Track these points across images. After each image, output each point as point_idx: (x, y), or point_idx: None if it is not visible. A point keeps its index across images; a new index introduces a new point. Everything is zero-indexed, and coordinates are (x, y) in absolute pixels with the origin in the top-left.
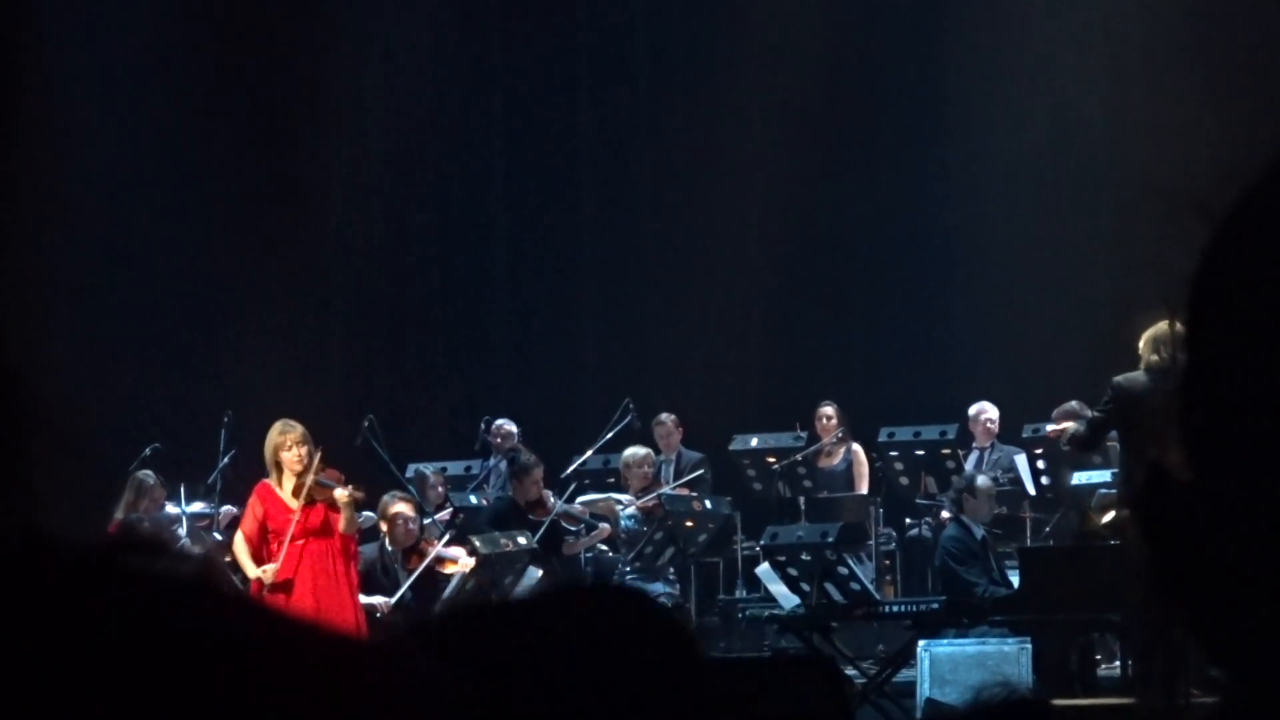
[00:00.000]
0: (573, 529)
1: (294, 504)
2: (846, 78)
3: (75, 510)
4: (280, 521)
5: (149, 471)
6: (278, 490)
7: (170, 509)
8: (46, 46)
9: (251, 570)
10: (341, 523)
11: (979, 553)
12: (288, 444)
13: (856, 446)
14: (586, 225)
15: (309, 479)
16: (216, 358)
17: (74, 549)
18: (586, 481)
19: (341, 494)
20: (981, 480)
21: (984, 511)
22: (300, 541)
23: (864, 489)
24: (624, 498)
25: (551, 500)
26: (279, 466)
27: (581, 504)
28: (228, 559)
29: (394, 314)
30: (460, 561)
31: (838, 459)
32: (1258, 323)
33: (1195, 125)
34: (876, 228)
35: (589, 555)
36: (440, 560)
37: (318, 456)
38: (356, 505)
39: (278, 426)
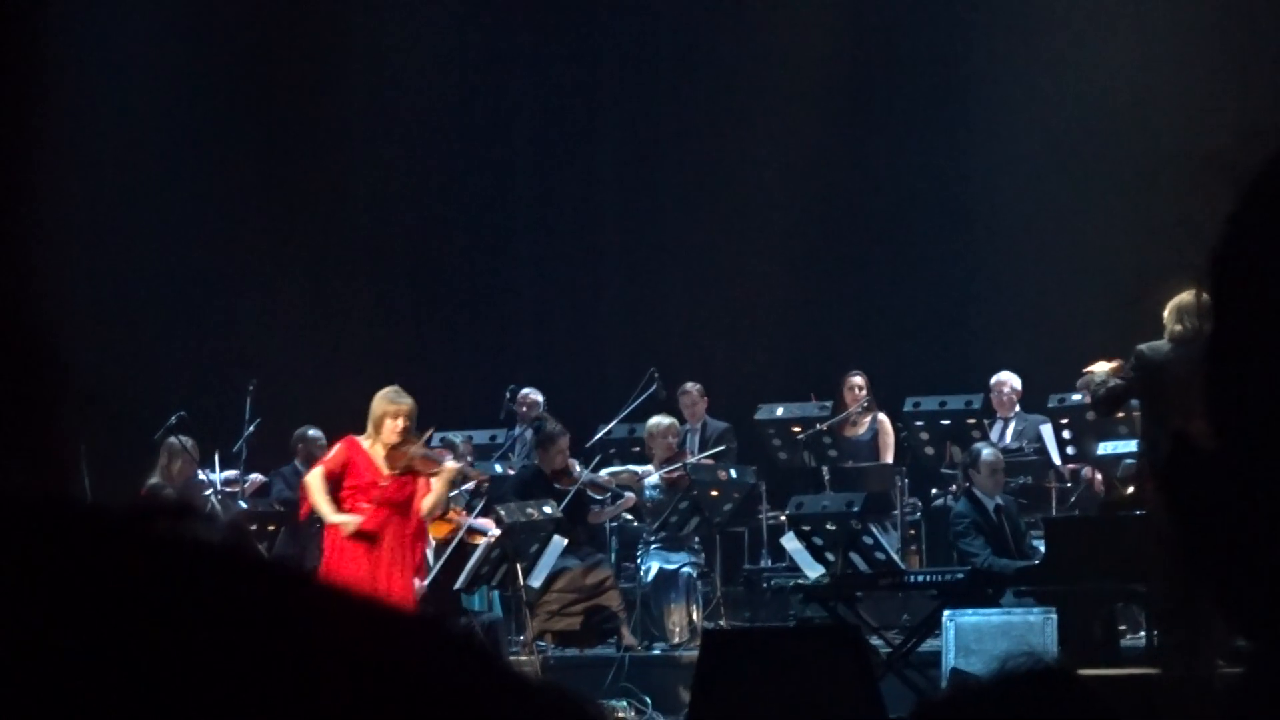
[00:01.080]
0: (598, 498)
1: (384, 469)
2: (870, 48)
3: (102, 475)
4: (364, 480)
5: (185, 437)
6: (368, 450)
7: (200, 476)
8: (73, 6)
9: (329, 513)
10: (429, 499)
11: (985, 526)
12: (395, 413)
13: (883, 416)
14: (611, 194)
15: (414, 450)
16: (241, 327)
17: (101, 514)
18: (611, 451)
19: (450, 465)
20: (986, 453)
21: (990, 484)
22: (382, 509)
23: (889, 458)
24: (648, 468)
25: (577, 469)
26: (378, 431)
27: (607, 475)
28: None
29: (419, 283)
30: (489, 534)
31: (863, 428)
32: None
33: (1221, 95)
34: (901, 196)
35: (614, 525)
36: (471, 532)
37: (431, 431)
38: (454, 482)
39: (390, 393)
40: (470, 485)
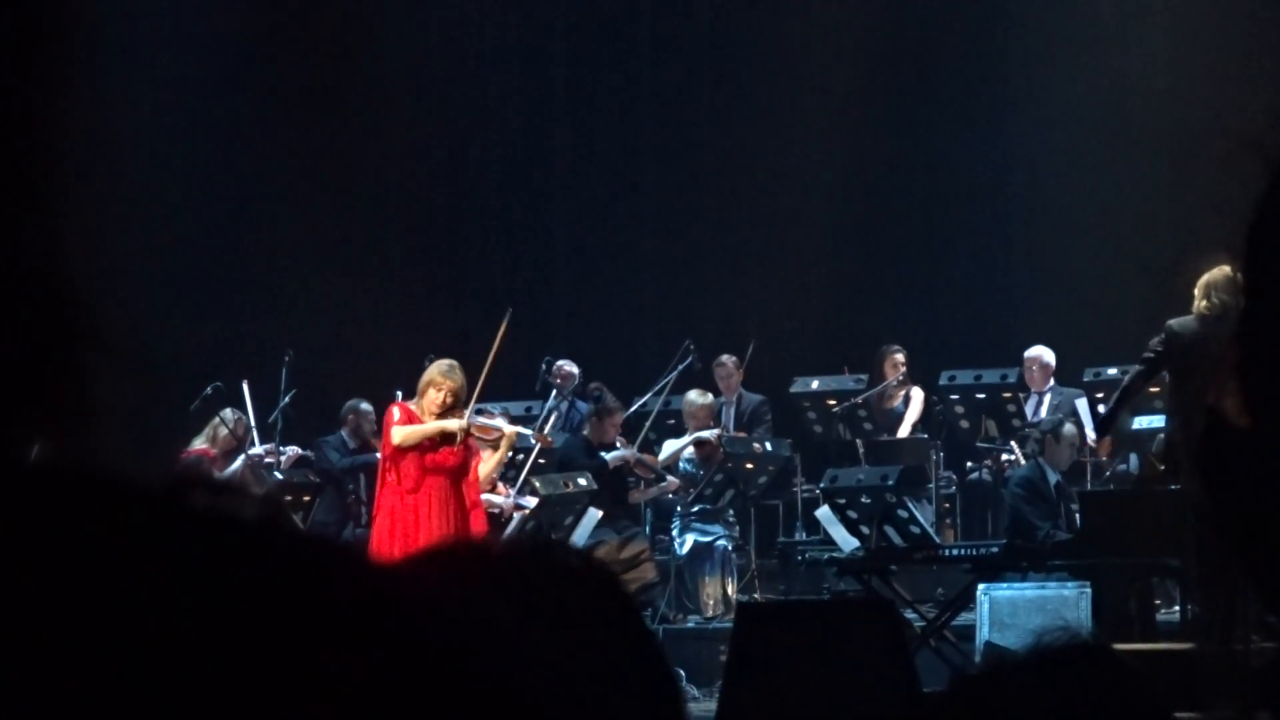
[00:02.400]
0: (644, 478)
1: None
2: (911, 23)
3: (139, 443)
4: (424, 442)
5: (234, 409)
6: (417, 414)
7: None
8: None
9: (439, 424)
10: (488, 465)
11: (1049, 496)
12: (440, 385)
13: (917, 390)
14: (647, 166)
15: (470, 416)
16: (278, 299)
17: (138, 486)
18: (646, 424)
19: (510, 430)
20: (1068, 428)
21: (1064, 458)
22: (436, 476)
23: (906, 429)
24: (683, 443)
25: (624, 448)
26: (421, 397)
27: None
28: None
29: (455, 255)
30: (500, 503)
31: (899, 401)
32: None
33: (1255, 77)
34: (938, 171)
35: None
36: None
37: (473, 400)
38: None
39: (444, 364)
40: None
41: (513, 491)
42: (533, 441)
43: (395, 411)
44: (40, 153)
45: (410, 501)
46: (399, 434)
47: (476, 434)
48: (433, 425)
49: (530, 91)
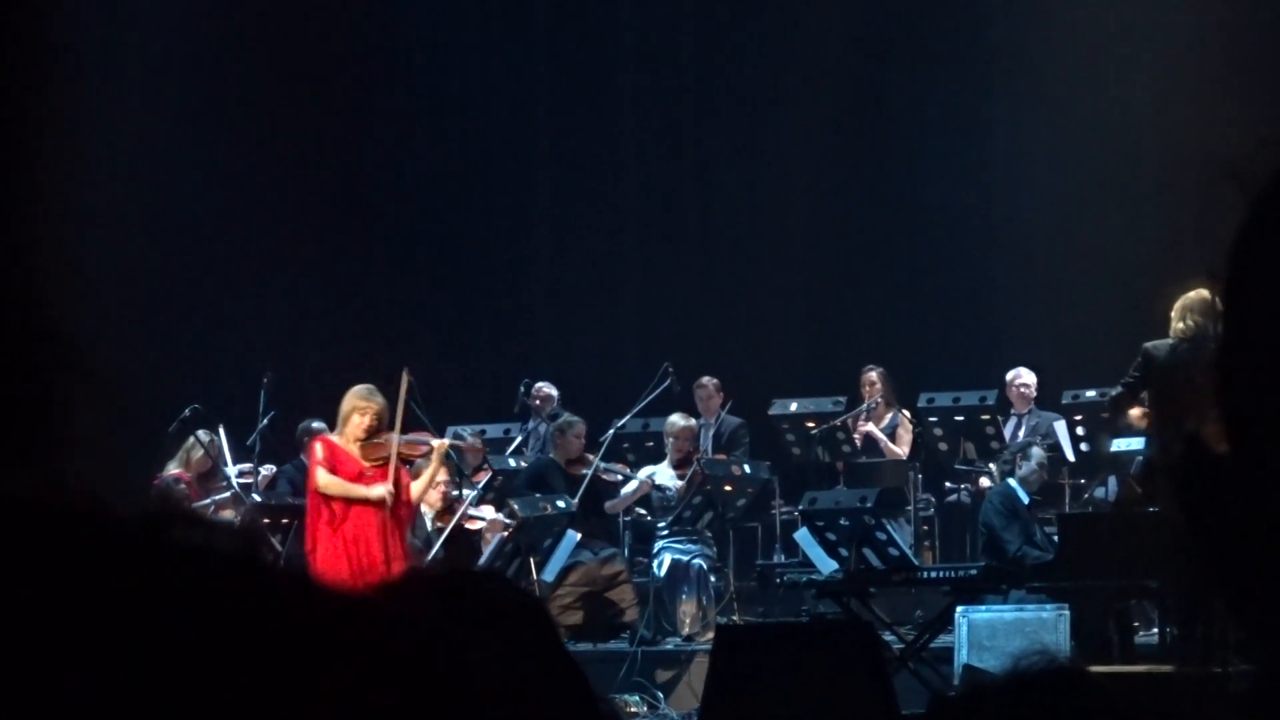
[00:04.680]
0: (612, 480)
1: (362, 461)
2: (891, 44)
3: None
4: (350, 472)
5: (210, 433)
6: (342, 445)
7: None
8: None
9: (369, 491)
10: (419, 482)
11: (1022, 515)
12: (363, 410)
13: (905, 413)
14: (629, 187)
15: (392, 437)
16: (257, 319)
17: (114, 520)
18: (625, 445)
19: (437, 443)
20: (1036, 450)
21: (1034, 480)
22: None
23: (904, 451)
24: (661, 468)
25: (591, 458)
26: (345, 425)
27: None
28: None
29: (435, 277)
30: (488, 519)
31: (884, 423)
32: None
33: (1235, 104)
34: (918, 193)
35: (628, 520)
36: (470, 517)
37: (404, 389)
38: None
39: (362, 390)
40: (484, 476)
41: (463, 508)
42: (468, 458)
43: (318, 448)
44: (10, 175)
45: (343, 531)
46: (322, 479)
47: (405, 452)
48: (358, 491)
49: (512, 115)
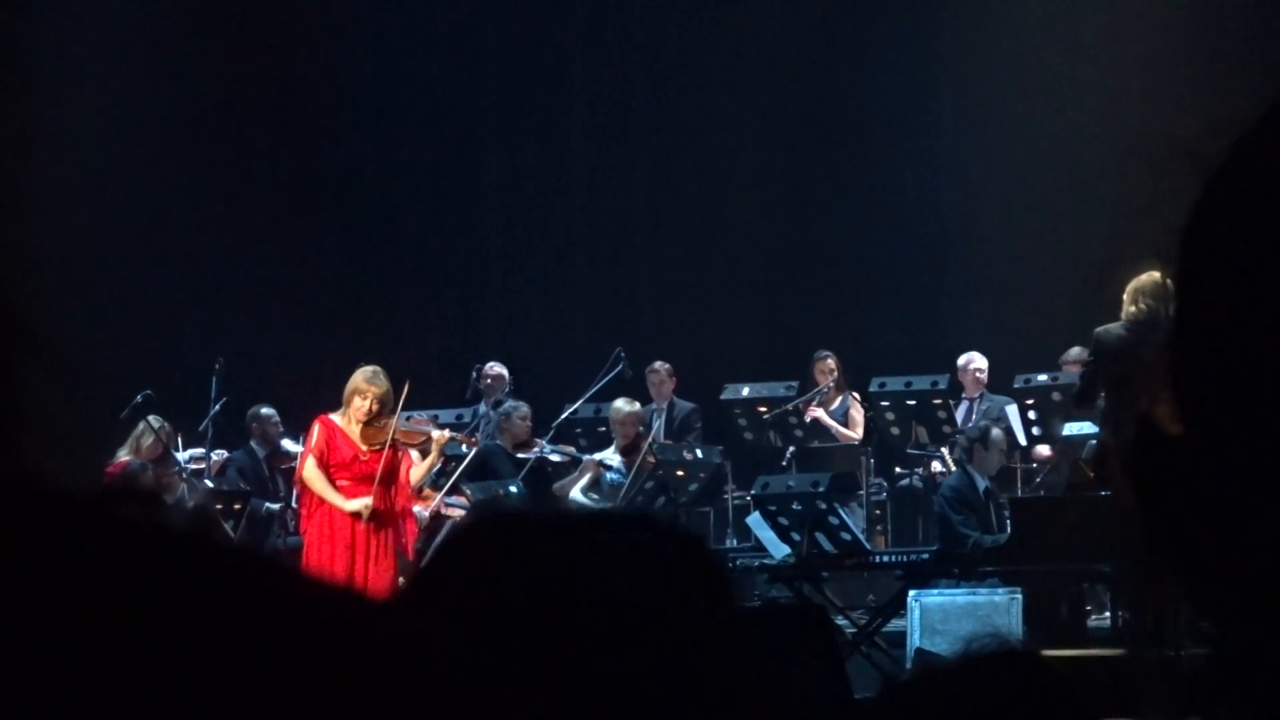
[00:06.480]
0: (559, 460)
1: (361, 445)
2: (841, 30)
3: (68, 452)
4: (345, 456)
5: (160, 418)
6: (343, 426)
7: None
8: None
9: (342, 502)
10: (419, 470)
11: (978, 504)
12: (365, 393)
13: (855, 396)
14: (579, 171)
15: (393, 423)
16: (208, 305)
17: (65, 497)
18: (578, 430)
19: (439, 434)
20: (995, 433)
21: (993, 464)
22: (361, 484)
23: (857, 434)
24: (610, 452)
25: (538, 441)
26: (348, 406)
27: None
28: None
29: (385, 262)
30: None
31: (835, 408)
32: (1248, 275)
33: (1188, 85)
34: (867, 178)
35: (579, 507)
36: (446, 506)
37: (404, 394)
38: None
39: (367, 372)
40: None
41: (439, 496)
42: (463, 449)
43: (315, 430)
44: None
45: (337, 513)
46: (308, 471)
47: (402, 440)
48: (334, 498)
49: (463, 98)
